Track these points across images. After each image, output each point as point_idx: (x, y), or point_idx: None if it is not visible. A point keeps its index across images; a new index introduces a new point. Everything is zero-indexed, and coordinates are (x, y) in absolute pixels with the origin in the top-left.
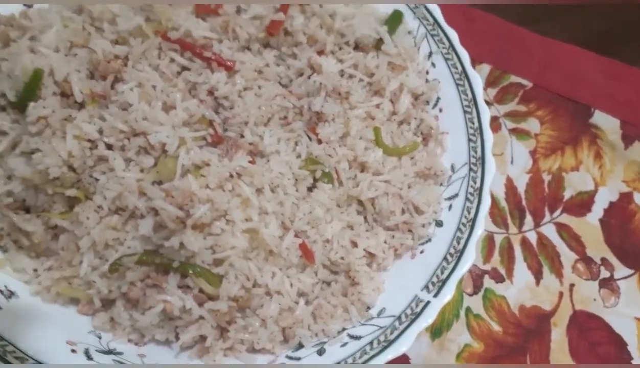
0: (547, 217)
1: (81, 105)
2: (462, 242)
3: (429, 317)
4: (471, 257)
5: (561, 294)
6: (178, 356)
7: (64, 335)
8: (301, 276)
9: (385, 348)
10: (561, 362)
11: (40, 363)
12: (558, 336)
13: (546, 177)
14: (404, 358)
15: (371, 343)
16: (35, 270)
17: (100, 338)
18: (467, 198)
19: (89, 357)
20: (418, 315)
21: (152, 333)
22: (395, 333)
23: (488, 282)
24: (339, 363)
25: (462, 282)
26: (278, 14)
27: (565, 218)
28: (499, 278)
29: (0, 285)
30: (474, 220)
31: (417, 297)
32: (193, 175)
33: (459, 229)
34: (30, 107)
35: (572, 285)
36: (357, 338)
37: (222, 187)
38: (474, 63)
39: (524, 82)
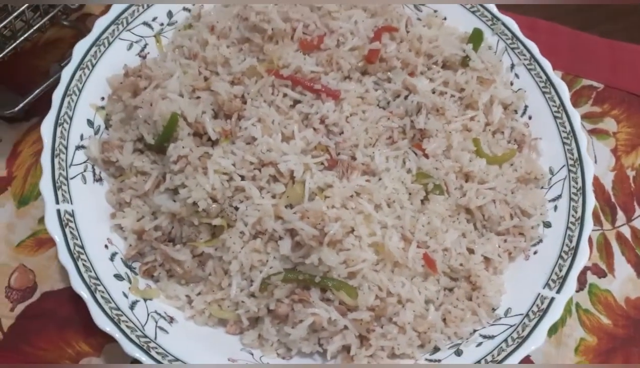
0: (638, 211)
1: (213, 143)
2: (574, 239)
3: (556, 313)
4: (586, 252)
5: None
6: (322, 365)
7: (225, 353)
8: (426, 284)
9: (520, 344)
10: None
11: None
12: None
13: (630, 173)
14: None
15: (505, 341)
16: (187, 296)
17: (252, 355)
18: (571, 198)
19: None
20: (545, 311)
21: (299, 346)
22: (527, 330)
23: (591, 278)
24: (478, 362)
25: None
26: (374, 43)
27: None
28: (601, 274)
29: (162, 312)
30: (582, 217)
31: (540, 294)
32: (319, 196)
33: (568, 228)
34: (170, 148)
35: None
36: (491, 337)
37: (345, 206)
38: None
39: (595, 84)
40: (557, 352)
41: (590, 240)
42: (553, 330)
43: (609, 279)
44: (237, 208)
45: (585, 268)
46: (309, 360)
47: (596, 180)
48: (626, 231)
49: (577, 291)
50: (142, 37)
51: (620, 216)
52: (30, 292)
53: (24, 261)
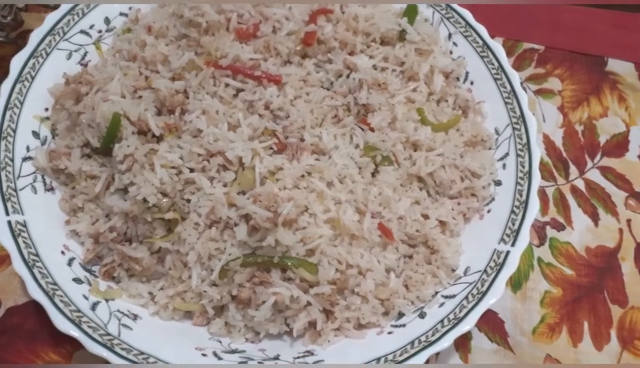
0: (590, 164)
1: (158, 139)
2: (524, 193)
3: (512, 265)
4: (536, 204)
5: (621, 230)
6: (293, 345)
7: (191, 343)
8: (385, 254)
9: (480, 299)
10: (638, 292)
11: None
12: (629, 269)
13: (579, 128)
14: (492, 314)
15: (466, 298)
16: (149, 293)
17: (221, 342)
18: (517, 155)
19: (219, 358)
20: (502, 265)
21: (265, 328)
22: (486, 285)
23: (551, 232)
24: (441, 322)
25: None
26: (310, 25)
27: (607, 161)
28: (560, 227)
29: (125, 311)
30: (529, 171)
31: (496, 250)
32: (270, 180)
33: (517, 183)
34: (116, 148)
35: (628, 220)
36: (452, 297)
37: (297, 186)
38: None
39: (536, 46)
40: (523, 307)
41: (546, 195)
42: (517, 286)
43: (568, 231)
44: (189, 201)
45: (544, 224)
46: (278, 341)
47: (546, 138)
48: (580, 184)
49: (537, 246)
50: (81, 45)
51: (573, 170)
52: None
53: None
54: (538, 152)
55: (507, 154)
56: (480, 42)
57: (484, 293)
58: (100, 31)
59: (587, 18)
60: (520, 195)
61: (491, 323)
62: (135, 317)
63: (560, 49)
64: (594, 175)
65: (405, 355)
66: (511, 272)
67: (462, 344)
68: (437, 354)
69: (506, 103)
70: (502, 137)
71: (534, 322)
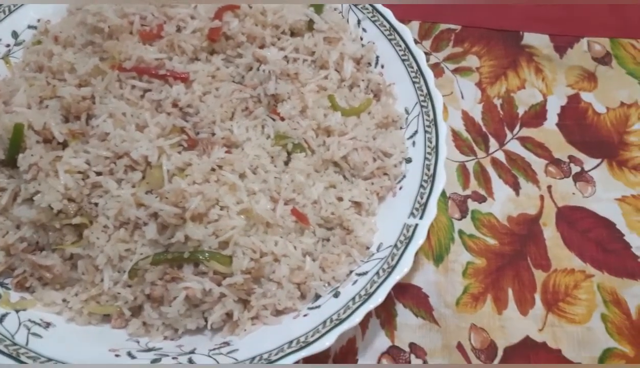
0: (509, 136)
1: (64, 145)
2: (432, 167)
3: (420, 237)
4: (442, 177)
5: (542, 197)
6: (212, 338)
7: (106, 345)
8: (302, 239)
9: (390, 273)
10: (559, 255)
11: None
12: (550, 233)
13: (497, 102)
14: (416, 290)
15: (377, 273)
16: (64, 299)
17: (138, 342)
18: (425, 131)
19: (132, 357)
20: (411, 238)
21: (183, 324)
22: (396, 258)
23: (472, 205)
24: (352, 299)
25: (447, 207)
26: (214, 21)
27: (526, 132)
28: (481, 199)
29: (36, 319)
30: (436, 146)
31: (405, 224)
32: (179, 176)
33: (426, 158)
34: (20, 158)
35: (549, 187)
36: (364, 273)
37: (207, 180)
38: (403, 22)
39: (453, 26)
40: (446, 279)
41: (466, 170)
42: (439, 259)
43: (489, 203)
44: (96, 204)
45: (465, 197)
46: (198, 336)
47: (465, 114)
48: (500, 156)
49: (459, 219)
50: None
51: (493, 143)
52: None
53: None
54: (444, 127)
55: (416, 132)
56: (387, 25)
57: (394, 267)
58: (8, 45)
59: None
60: (429, 170)
61: (415, 299)
62: (47, 325)
63: (477, 27)
64: (514, 146)
65: (317, 335)
66: (419, 243)
67: (388, 321)
68: (363, 333)
69: (414, 82)
70: (411, 116)
71: (457, 293)
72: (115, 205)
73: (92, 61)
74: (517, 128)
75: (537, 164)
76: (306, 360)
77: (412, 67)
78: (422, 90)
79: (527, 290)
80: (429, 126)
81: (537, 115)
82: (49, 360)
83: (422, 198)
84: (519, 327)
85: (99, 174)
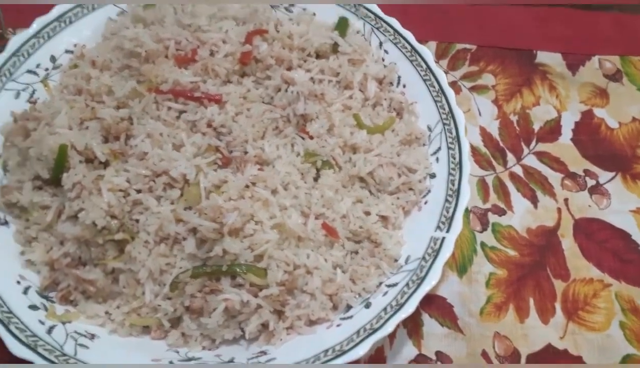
0: (526, 150)
1: (105, 165)
2: (456, 182)
3: (447, 250)
4: (467, 191)
5: (559, 210)
6: (248, 348)
7: (149, 356)
8: (331, 252)
9: (420, 284)
10: (578, 265)
11: None
12: (568, 244)
13: (513, 118)
14: (441, 300)
15: (407, 284)
16: (106, 312)
17: (178, 352)
18: (449, 148)
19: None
20: (438, 251)
21: (221, 334)
22: (424, 270)
23: (492, 217)
24: (384, 309)
25: (469, 220)
26: (245, 46)
27: (541, 147)
28: (501, 212)
29: (82, 331)
30: (460, 162)
31: (432, 237)
32: (216, 193)
33: (450, 173)
34: (64, 178)
35: (566, 199)
36: (394, 285)
37: (242, 196)
38: (421, 43)
39: (468, 46)
40: (470, 289)
41: (486, 184)
42: (463, 270)
43: (509, 216)
44: (137, 221)
45: (486, 210)
46: (234, 346)
47: (483, 130)
48: (518, 170)
49: (480, 232)
50: (28, 84)
51: (511, 158)
52: None
53: None
54: (467, 143)
55: (439, 148)
56: (409, 47)
57: (423, 278)
58: (47, 69)
59: (513, 15)
60: (453, 185)
61: (441, 309)
62: (92, 337)
63: (491, 46)
64: (531, 161)
65: (352, 344)
66: (447, 256)
67: (415, 331)
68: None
69: (435, 101)
70: (434, 133)
71: (480, 303)
72: (155, 221)
73: (130, 84)
74: (533, 143)
75: (554, 177)
76: None
77: (434, 87)
78: (444, 109)
79: (547, 299)
80: (451, 143)
81: (552, 131)
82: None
83: (447, 212)
84: (541, 334)
85: (138, 191)
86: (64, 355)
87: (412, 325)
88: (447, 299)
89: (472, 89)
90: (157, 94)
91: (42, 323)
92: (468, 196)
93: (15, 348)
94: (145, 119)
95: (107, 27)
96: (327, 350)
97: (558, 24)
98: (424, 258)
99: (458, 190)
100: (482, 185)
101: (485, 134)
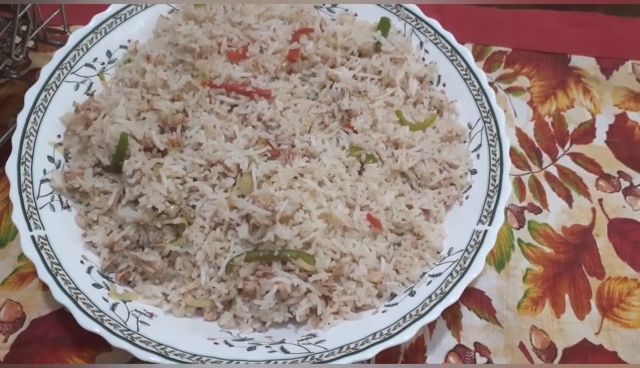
0: (560, 151)
1: (163, 154)
2: (497, 178)
3: (489, 242)
4: (508, 187)
5: (594, 209)
6: (297, 331)
7: (204, 335)
8: (375, 242)
9: (463, 275)
10: (612, 264)
11: (196, 355)
12: (603, 244)
13: (548, 120)
14: (479, 293)
15: (451, 274)
16: (163, 293)
17: (230, 333)
18: (489, 145)
19: (230, 345)
20: (481, 243)
21: (271, 316)
22: (468, 261)
23: (529, 216)
24: (429, 297)
25: (507, 217)
26: (293, 44)
27: (576, 148)
28: (537, 211)
29: (141, 310)
30: (501, 158)
31: (475, 230)
32: (267, 183)
33: (491, 169)
34: (125, 164)
35: (600, 200)
36: (438, 275)
37: (291, 186)
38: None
39: (504, 49)
40: (508, 284)
41: (522, 183)
42: (501, 265)
43: (545, 214)
44: (194, 206)
45: (522, 208)
46: (283, 329)
47: (519, 131)
48: (553, 170)
49: (517, 229)
50: (86, 77)
51: (546, 158)
52: (20, 322)
53: (10, 296)
54: (507, 140)
55: (480, 145)
56: (449, 48)
57: (467, 269)
58: (103, 63)
59: (548, 19)
60: (494, 180)
61: (479, 302)
62: (151, 315)
63: (526, 49)
64: (565, 161)
65: (399, 329)
66: (490, 248)
67: (454, 322)
68: (431, 333)
69: (476, 100)
70: (474, 131)
71: (518, 296)
72: (211, 208)
73: (185, 78)
74: (568, 144)
75: (588, 178)
76: (378, 358)
77: (474, 86)
78: (484, 107)
79: (583, 296)
80: (492, 140)
81: (586, 133)
82: (159, 344)
83: (489, 206)
84: (577, 330)
85: (194, 179)
86: (128, 329)
87: (452, 317)
88: (485, 292)
89: (507, 90)
90: (211, 88)
91: (105, 300)
92: (509, 191)
93: (84, 321)
94: (199, 111)
95: (159, 24)
96: (375, 334)
97: (592, 28)
98: (466, 250)
99: (499, 186)
100: (519, 184)
101: (521, 135)
